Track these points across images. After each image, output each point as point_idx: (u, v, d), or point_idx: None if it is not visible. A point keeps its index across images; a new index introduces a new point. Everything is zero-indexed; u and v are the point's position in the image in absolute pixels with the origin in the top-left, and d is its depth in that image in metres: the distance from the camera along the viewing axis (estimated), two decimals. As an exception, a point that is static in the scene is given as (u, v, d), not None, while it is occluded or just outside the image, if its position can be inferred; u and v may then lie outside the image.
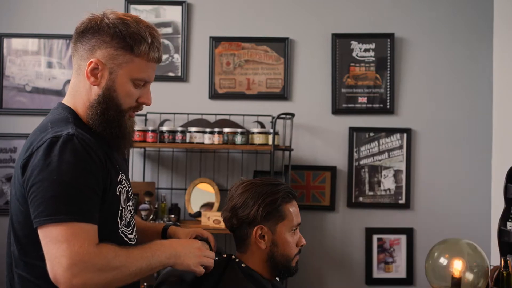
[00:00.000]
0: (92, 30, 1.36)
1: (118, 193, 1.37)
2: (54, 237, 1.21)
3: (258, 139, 2.88)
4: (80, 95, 1.39)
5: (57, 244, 1.21)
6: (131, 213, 1.48)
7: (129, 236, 1.44)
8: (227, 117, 3.12)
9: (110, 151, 1.40)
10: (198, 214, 3.03)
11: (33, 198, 1.24)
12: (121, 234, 1.39)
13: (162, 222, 2.94)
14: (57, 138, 1.26)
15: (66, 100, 1.41)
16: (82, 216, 1.24)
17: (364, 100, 3.16)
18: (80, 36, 1.37)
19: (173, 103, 3.16)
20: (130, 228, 1.46)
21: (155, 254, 1.35)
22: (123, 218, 1.40)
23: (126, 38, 1.34)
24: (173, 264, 1.40)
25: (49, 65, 3.19)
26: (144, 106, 1.46)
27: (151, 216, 2.94)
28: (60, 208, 1.22)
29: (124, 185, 1.42)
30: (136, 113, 1.47)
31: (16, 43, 3.18)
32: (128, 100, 1.39)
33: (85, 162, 1.27)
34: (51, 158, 1.24)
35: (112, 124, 1.37)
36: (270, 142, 2.86)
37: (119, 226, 1.38)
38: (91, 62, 1.34)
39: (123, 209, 1.40)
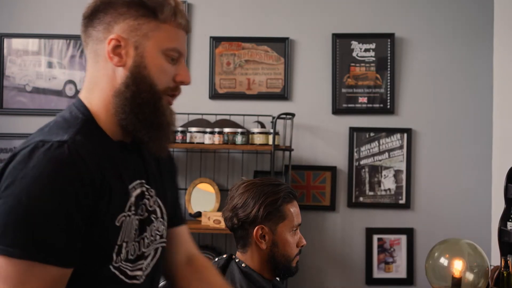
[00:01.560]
0: (103, 6, 1.10)
1: (118, 224, 1.05)
2: (2, 274, 0.93)
3: (258, 139, 2.88)
4: (100, 86, 1.11)
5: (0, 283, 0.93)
6: (150, 243, 1.15)
7: (131, 273, 1.09)
8: (227, 117, 3.12)
9: (126, 164, 1.11)
10: (198, 214, 3.03)
11: None
12: (113, 270, 1.06)
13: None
14: (42, 144, 0.99)
15: (82, 95, 1.14)
16: (48, 254, 0.94)
17: (365, 100, 3.16)
18: (90, 19, 1.12)
19: (173, 103, 3.15)
20: (140, 263, 1.12)
21: None
22: (123, 252, 1.07)
23: (145, 3, 1.09)
24: None
25: (50, 65, 3.19)
26: (174, 92, 1.16)
27: (151, 216, 2.94)
28: (20, 238, 0.93)
29: (133, 212, 1.09)
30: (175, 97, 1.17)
31: (16, 43, 3.19)
32: (163, 78, 1.10)
33: (69, 181, 0.97)
34: (26, 169, 0.96)
35: (146, 109, 1.09)
36: (271, 142, 2.86)
37: (114, 261, 1.06)
38: (111, 39, 1.08)
39: (124, 243, 1.07)
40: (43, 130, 1.06)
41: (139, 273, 1.11)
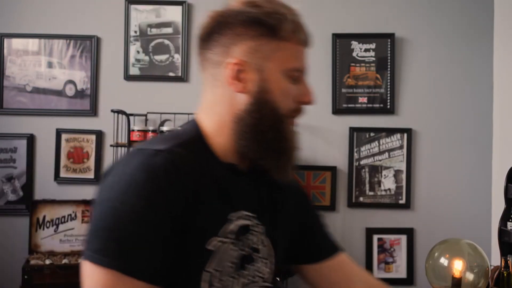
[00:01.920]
0: (219, 27, 1.05)
1: (209, 247, 0.97)
2: (94, 281, 0.90)
3: (258, 139, 2.88)
4: (216, 111, 1.05)
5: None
6: (247, 284, 1.04)
7: None
8: (227, 117, 3.12)
9: (235, 189, 1.03)
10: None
11: (91, 220, 0.96)
12: None
13: None
14: (140, 151, 0.97)
15: (198, 116, 1.09)
16: (136, 267, 0.89)
17: (365, 100, 3.16)
18: (206, 41, 1.06)
19: (173, 103, 3.16)
20: None
21: None
22: (215, 285, 0.98)
23: (263, 21, 1.02)
24: None
25: (50, 65, 3.18)
26: (297, 114, 1.09)
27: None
28: (109, 246, 0.89)
29: (232, 240, 1.00)
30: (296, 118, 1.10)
31: (16, 43, 3.18)
32: (286, 101, 1.04)
33: (158, 190, 0.92)
34: (122, 175, 0.94)
35: (269, 135, 1.02)
36: (271, 142, 2.85)
37: None
38: (231, 64, 1.01)
39: (217, 272, 0.98)
40: (150, 140, 1.05)
41: None
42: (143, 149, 0.96)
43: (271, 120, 1.02)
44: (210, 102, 1.07)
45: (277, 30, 1.03)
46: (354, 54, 3.16)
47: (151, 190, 0.91)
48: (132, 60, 3.18)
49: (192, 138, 1.03)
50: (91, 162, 3.16)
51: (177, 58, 3.19)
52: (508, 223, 2.24)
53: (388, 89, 3.15)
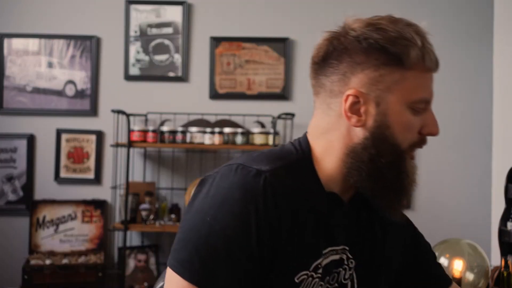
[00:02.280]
0: (337, 52, 0.95)
1: (297, 280, 0.92)
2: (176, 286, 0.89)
3: (258, 139, 2.88)
4: (328, 139, 0.97)
5: None
6: None
7: None
8: (227, 117, 3.12)
9: (332, 220, 0.96)
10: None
11: (179, 228, 0.93)
12: None
13: (162, 223, 2.94)
14: (241, 168, 0.91)
15: (309, 135, 1.03)
16: (215, 285, 0.87)
17: (365, 100, 3.15)
18: (321, 66, 0.97)
19: (173, 103, 3.16)
20: None
21: None
22: None
23: (388, 48, 0.92)
24: None
25: (50, 65, 3.19)
26: (419, 146, 0.97)
27: (151, 216, 2.94)
28: (193, 259, 0.87)
29: (318, 275, 0.94)
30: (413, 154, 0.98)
31: (16, 43, 3.19)
32: (408, 136, 0.93)
33: (252, 212, 0.87)
34: (219, 189, 0.90)
35: (388, 173, 0.93)
36: (271, 142, 2.86)
37: None
38: (348, 96, 0.92)
39: None
40: (252, 155, 0.97)
41: None
42: (246, 166, 0.91)
43: (390, 157, 0.93)
44: (322, 128, 0.99)
45: (403, 59, 0.92)
46: (354, 54, 3.16)
47: (245, 212, 0.87)
48: (132, 60, 3.18)
49: (300, 161, 0.97)
50: (91, 162, 3.16)
51: (177, 58, 3.19)
52: (508, 223, 2.24)
53: (388, 89, 3.14)
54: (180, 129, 2.92)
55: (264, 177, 0.89)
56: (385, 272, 1.06)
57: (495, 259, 2.76)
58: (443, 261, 2.17)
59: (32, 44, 3.19)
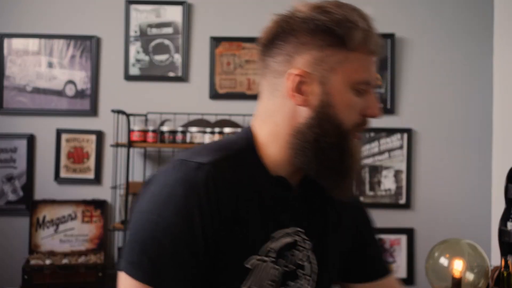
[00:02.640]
0: (283, 33, 0.99)
1: (248, 266, 0.94)
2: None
3: (258, 139, 2.88)
4: (274, 121, 0.99)
5: None
6: None
7: None
8: (227, 117, 3.12)
9: (280, 204, 0.98)
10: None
11: (128, 230, 0.95)
12: None
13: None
14: (181, 164, 0.94)
15: (254, 123, 1.04)
16: (167, 283, 0.89)
17: (365, 100, 3.15)
18: (268, 47, 1.02)
19: (173, 103, 3.16)
20: None
21: None
22: None
23: (333, 30, 0.94)
24: None
25: (50, 65, 3.19)
26: (362, 127, 1.00)
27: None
28: (143, 261, 0.89)
29: (271, 259, 0.96)
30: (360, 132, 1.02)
31: (16, 43, 3.18)
32: (350, 115, 0.96)
33: (196, 206, 0.89)
34: (162, 187, 0.92)
35: (331, 153, 0.95)
36: (271, 142, 2.86)
37: None
38: (293, 75, 0.95)
39: None
40: (195, 148, 0.99)
41: None
42: (187, 161, 0.93)
43: (334, 136, 0.95)
44: (268, 110, 1.01)
45: (347, 40, 0.95)
46: (354, 54, 3.16)
47: (189, 207, 0.89)
48: (132, 60, 3.18)
49: (243, 149, 0.98)
50: (91, 162, 3.16)
51: (177, 58, 3.19)
52: (508, 223, 2.24)
53: (388, 89, 3.15)
54: (180, 129, 2.92)
55: (205, 170, 0.91)
56: (340, 253, 1.10)
57: (495, 259, 2.76)
58: (443, 261, 2.17)
59: (32, 44, 3.19)
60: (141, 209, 0.93)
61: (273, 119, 0.99)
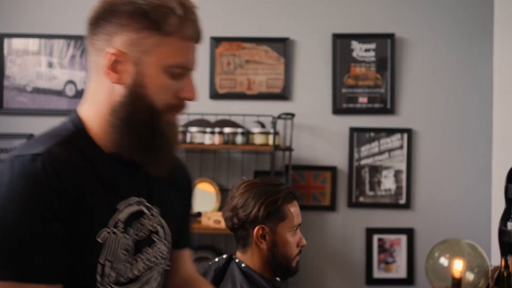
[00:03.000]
0: (106, 14, 1.02)
1: (100, 240, 0.98)
2: None
3: (258, 139, 2.88)
4: (97, 100, 1.04)
5: None
6: (151, 265, 1.08)
7: None
8: (227, 117, 3.12)
9: (120, 176, 1.04)
10: (198, 214, 3.03)
11: None
12: None
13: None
14: (17, 158, 0.95)
15: (80, 107, 1.08)
16: (28, 272, 0.90)
17: (365, 100, 3.16)
18: (94, 26, 1.04)
19: (173, 103, 3.16)
20: (134, 286, 1.05)
21: None
22: (110, 274, 1.01)
23: (149, 14, 0.98)
24: None
25: (50, 65, 3.19)
26: (178, 109, 1.06)
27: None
28: (2, 259, 0.90)
29: (120, 230, 1.01)
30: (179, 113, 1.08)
31: (16, 43, 3.19)
32: (163, 96, 1.01)
33: (43, 195, 0.92)
34: (1, 187, 0.93)
35: (143, 130, 1.01)
36: (271, 142, 2.86)
37: (99, 282, 1.00)
38: (109, 54, 1.00)
39: (109, 262, 1.00)
40: (25, 143, 1.03)
41: None
42: (20, 156, 0.95)
43: (145, 115, 1.00)
44: (92, 90, 1.06)
45: (161, 25, 0.99)
46: (354, 54, 3.16)
47: (33, 196, 0.92)
48: (132, 60, 3.18)
49: (72, 133, 1.02)
50: (91, 162, 3.16)
51: (177, 58, 3.18)
52: (508, 223, 2.24)
53: (388, 89, 3.15)
54: (180, 129, 2.91)
55: (40, 160, 0.93)
56: (178, 218, 1.18)
57: (495, 259, 2.76)
58: (443, 261, 2.17)
59: (32, 44, 3.19)
60: None
61: (96, 98, 1.04)
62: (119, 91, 1.01)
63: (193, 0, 1.04)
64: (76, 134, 1.02)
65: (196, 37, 1.04)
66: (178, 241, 1.19)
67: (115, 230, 1.00)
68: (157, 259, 1.09)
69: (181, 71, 1.02)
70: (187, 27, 1.01)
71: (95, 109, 1.04)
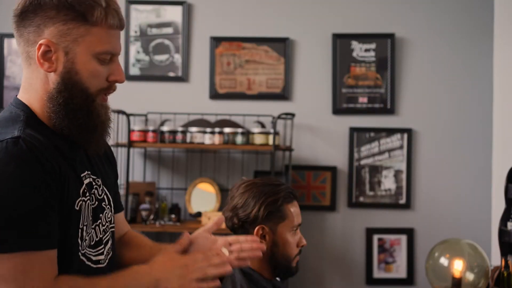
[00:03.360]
0: (33, 7, 1.11)
1: (77, 208, 1.11)
2: (9, 269, 0.99)
3: (258, 139, 2.88)
4: (34, 88, 1.13)
5: (2, 284, 0.99)
6: (105, 229, 1.22)
7: (95, 258, 1.17)
8: (227, 117, 3.12)
9: (73, 155, 1.15)
10: (198, 214, 3.03)
11: None
12: (81, 257, 1.13)
13: (162, 223, 2.94)
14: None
15: (20, 95, 1.16)
16: (35, 241, 1.01)
17: (365, 100, 3.16)
18: (21, 18, 1.14)
19: (173, 103, 3.16)
20: (100, 248, 1.19)
21: (129, 285, 1.10)
22: (86, 238, 1.13)
23: (74, 6, 1.08)
24: None
25: (50, 65, 3.19)
26: (109, 91, 1.18)
27: (151, 216, 2.94)
28: (6, 234, 0.99)
29: (88, 198, 1.15)
30: (109, 94, 1.20)
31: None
32: (95, 81, 1.12)
33: (35, 172, 1.02)
34: None
35: (80, 114, 1.11)
36: (271, 142, 2.86)
37: (80, 248, 1.12)
38: (40, 45, 1.09)
39: (85, 227, 1.13)
40: None
41: (101, 257, 1.19)
42: (0, 141, 1.03)
43: (80, 99, 1.11)
44: (28, 79, 1.14)
45: (87, 16, 1.09)
46: (354, 54, 3.16)
47: (27, 174, 1.02)
48: (132, 60, 3.18)
49: (28, 118, 1.11)
50: (91, 162, 3.16)
51: (177, 58, 3.19)
52: (508, 223, 2.24)
53: (388, 89, 3.15)
54: (180, 129, 2.92)
55: (22, 142, 1.03)
56: (113, 185, 1.32)
57: (495, 259, 2.76)
58: (443, 261, 2.17)
59: (32, 44, 3.19)
60: None
61: (33, 86, 1.13)
62: (53, 78, 1.11)
63: None
64: (30, 119, 1.11)
65: (120, 25, 1.14)
66: (115, 205, 1.32)
67: (84, 199, 1.13)
68: (109, 223, 1.24)
69: (109, 57, 1.13)
70: (111, 16, 1.11)
71: (34, 97, 1.13)
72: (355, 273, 3.15)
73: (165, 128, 2.91)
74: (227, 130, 2.91)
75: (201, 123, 3.08)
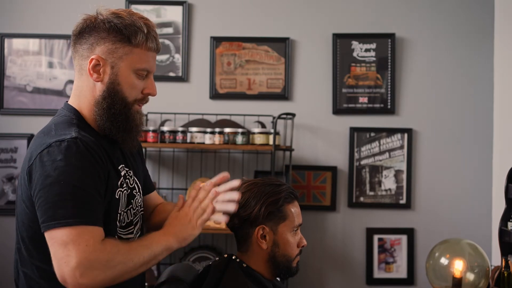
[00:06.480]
0: (88, 29, 1.39)
1: (117, 197, 1.39)
2: (60, 238, 1.23)
3: (259, 139, 2.88)
4: (84, 94, 1.41)
5: (63, 245, 1.23)
6: (136, 212, 1.49)
7: (125, 236, 1.45)
8: (228, 117, 3.12)
9: (113, 152, 1.42)
10: (199, 214, 3.03)
11: (41, 202, 1.26)
12: (116, 236, 1.41)
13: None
14: (60, 142, 1.29)
15: (71, 101, 1.44)
16: (88, 218, 1.26)
17: (365, 100, 3.16)
18: (78, 37, 1.41)
19: (174, 103, 3.16)
20: (130, 228, 1.47)
21: (154, 241, 1.35)
22: (121, 220, 1.42)
23: (122, 31, 1.37)
24: (177, 245, 1.39)
25: (50, 65, 3.19)
26: (143, 102, 1.47)
27: (152, 216, 2.94)
28: (68, 212, 1.24)
29: (125, 188, 1.42)
30: (143, 104, 1.48)
31: (17, 43, 3.19)
32: (133, 92, 1.41)
33: (90, 164, 1.29)
34: (57, 162, 1.26)
35: (119, 117, 1.39)
36: (271, 142, 2.86)
37: (118, 228, 1.41)
38: (92, 59, 1.37)
39: (122, 212, 1.42)
40: (50, 133, 1.35)
41: (131, 236, 1.47)
42: (59, 141, 1.29)
43: (120, 105, 1.39)
44: (78, 87, 1.43)
45: (132, 39, 1.38)
46: (354, 54, 3.16)
47: (86, 167, 1.28)
48: (132, 60, 3.18)
49: (79, 122, 1.39)
50: (92, 162, 3.16)
51: (177, 58, 3.19)
52: (509, 223, 2.24)
53: (389, 89, 3.15)
54: (180, 129, 2.92)
55: (79, 141, 1.30)
56: (143, 175, 1.62)
57: (495, 259, 2.76)
58: (443, 261, 2.17)
59: (33, 44, 3.19)
60: (48, 184, 1.25)
61: (82, 93, 1.42)
62: (100, 87, 1.40)
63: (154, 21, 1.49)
64: (81, 122, 1.39)
65: (156, 48, 1.46)
66: (148, 188, 1.64)
67: (121, 189, 1.41)
68: (139, 207, 1.51)
69: (145, 74, 1.43)
70: (150, 41, 1.42)
71: (84, 102, 1.42)
72: (355, 273, 3.15)
73: (165, 128, 2.91)
74: (227, 130, 2.91)
75: (202, 123, 3.08)
